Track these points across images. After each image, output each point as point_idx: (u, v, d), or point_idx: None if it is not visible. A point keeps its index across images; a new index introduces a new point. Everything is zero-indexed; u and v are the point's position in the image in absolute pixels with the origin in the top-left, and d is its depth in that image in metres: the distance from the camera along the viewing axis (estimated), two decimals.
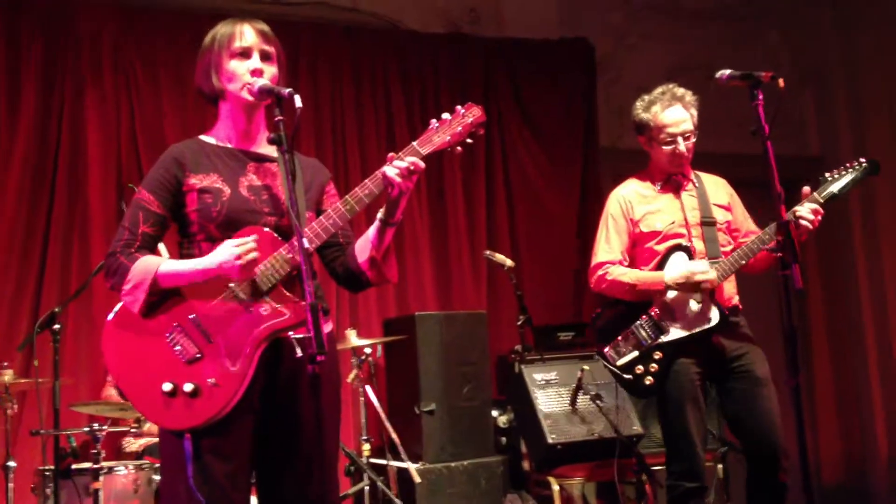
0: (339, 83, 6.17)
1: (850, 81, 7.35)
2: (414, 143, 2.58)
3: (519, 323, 5.24)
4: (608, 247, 3.95)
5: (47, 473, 4.25)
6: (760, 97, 3.11)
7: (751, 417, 3.71)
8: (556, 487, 4.76)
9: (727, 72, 3.22)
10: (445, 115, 2.60)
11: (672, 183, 3.94)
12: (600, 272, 3.93)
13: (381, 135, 6.19)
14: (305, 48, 6.05)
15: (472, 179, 6.45)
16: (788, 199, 3.63)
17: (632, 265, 3.93)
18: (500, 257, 5.34)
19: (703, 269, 3.70)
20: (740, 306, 3.90)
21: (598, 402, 4.72)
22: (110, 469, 4.31)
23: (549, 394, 4.85)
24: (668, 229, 3.86)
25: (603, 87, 6.94)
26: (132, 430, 4.67)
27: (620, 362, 3.81)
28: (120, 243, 2.59)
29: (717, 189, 3.97)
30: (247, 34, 2.63)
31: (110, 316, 2.59)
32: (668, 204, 3.91)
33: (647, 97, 3.94)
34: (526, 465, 5.35)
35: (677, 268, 3.75)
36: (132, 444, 4.95)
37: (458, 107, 2.61)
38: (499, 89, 6.60)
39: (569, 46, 6.84)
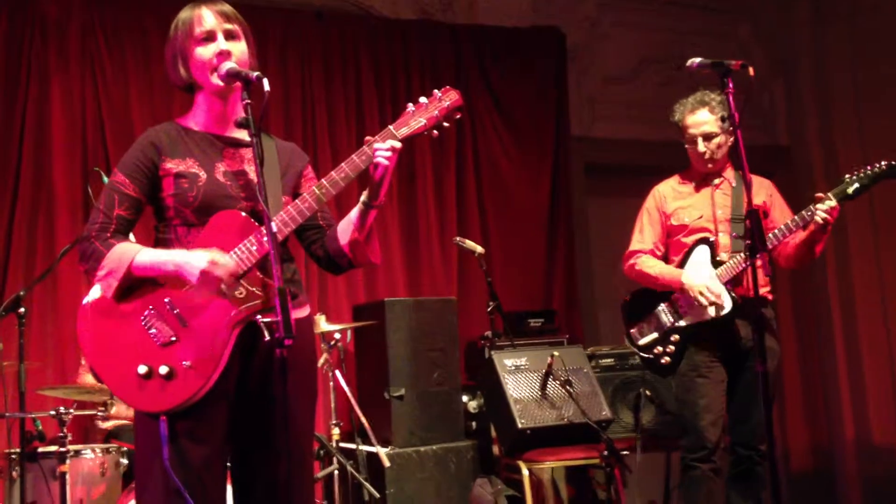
0: (308, 68, 6.12)
1: (818, 73, 7.42)
2: (390, 127, 2.58)
3: (489, 309, 5.27)
4: (641, 237, 4.30)
5: (13, 456, 4.21)
6: (731, 85, 3.16)
7: (744, 411, 4.00)
8: (525, 472, 4.78)
9: (697, 60, 3.28)
10: (423, 99, 2.61)
11: (708, 181, 4.20)
12: (632, 260, 4.28)
13: (350, 120, 6.16)
14: (275, 33, 5.99)
15: (442, 166, 6.44)
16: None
17: (668, 255, 4.23)
18: (470, 244, 5.36)
19: (711, 293, 3.92)
20: (770, 297, 4.13)
21: (567, 387, 4.75)
22: (77, 452, 4.28)
23: (518, 379, 4.87)
24: (696, 223, 4.14)
25: (575, 75, 6.96)
26: (99, 414, 4.63)
27: (642, 342, 4.19)
28: (95, 227, 2.56)
29: (756, 189, 4.07)
30: (206, 17, 2.59)
31: (85, 300, 2.56)
32: (700, 200, 4.18)
33: (682, 101, 4.21)
34: (496, 449, 5.38)
35: (696, 276, 4.00)
36: (104, 423, 4.91)
37: (436, 90, 2.61)
38: (469, 76, 6.59)
39: (540, 34, 6.84)
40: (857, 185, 3.88)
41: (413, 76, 6.38)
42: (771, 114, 7.56)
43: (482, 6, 6.79)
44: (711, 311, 3.95)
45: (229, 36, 2.60)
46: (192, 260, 2.45)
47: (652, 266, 4.19)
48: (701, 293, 3.94)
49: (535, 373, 4.90)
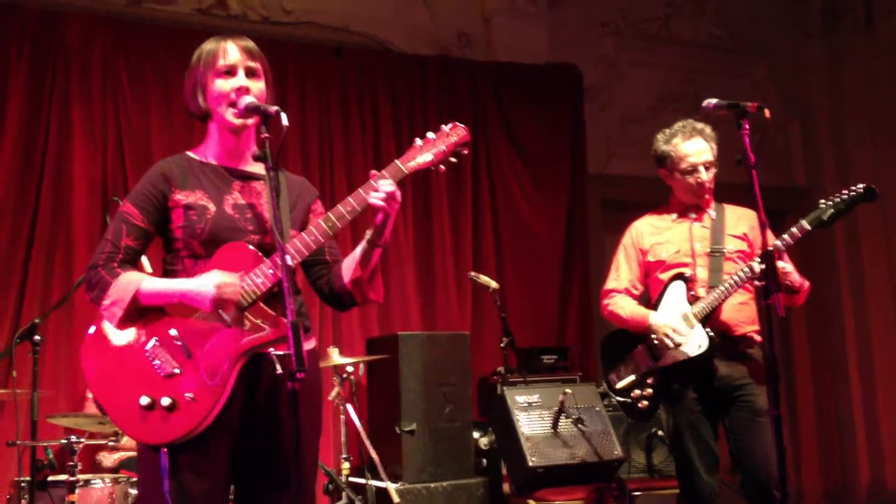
0: (326, 103, 6.19)
1: (835, 114, 7.42)
2: (397, 161, 2.58)
3: (502, 345, 5.25)
4: (616, 275, 4.08)
5: (23, 485, 4.21)
6: (746, 126, 3.14)
7: (748, 448, 3.74)
8: None
9: (714, 101, 3.25)
10: (430, 134, 2.61)
11: (688, 214, 4.00)
12: (605, 300, 4.08)
13: (367, 154, 6.21)
14: (294, 67, 6.07)
15: (458, 201, 6.47)
16: (777, 228, 3.66)
17: (649, 293, 4.02)
18: (484, 279, 5.35)
19: (674, 339, 3.75)
20: (757, 338, 3.88)
21: (580, 425, 4.71)
22: (86, 482, 4.28)
23: (530, 416, 4.84)
24: (672, 259, 3.92)
25: (592, 113, 6.99)
26: (109, 444, 4.63)
27: (619, 385, 3.95)
28: (102, 256, 2.58)
29: (739, 220, 3.97)
30: (230, 52, 2.62)
31: (91, 329, 2.58)
32: (677, 234, 3.97)
33: (668, 130, 4.00)
34: (506, 487, 5.33)
35: (663, 316, 3.82)
36: (107, 460, 4.92)
37: (443, 126, 2.62)
38: (487, 113, 6.63)
39: (557, 72, 6.89)
40: (832, 210, 3.69)
41: (430, 112, 6.43)
42: (786, 154, 7.55)
43: (500, 44, 6.85)
44: (691, 351, 3.75)
45: (250, 73, 2.63)
46: (200, 287, 2.46)
47: (623, 307, 3.98)
48: (666, 335, 3.76)
49: (547, 410, 4.86)
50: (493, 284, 5.31)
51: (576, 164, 6.85)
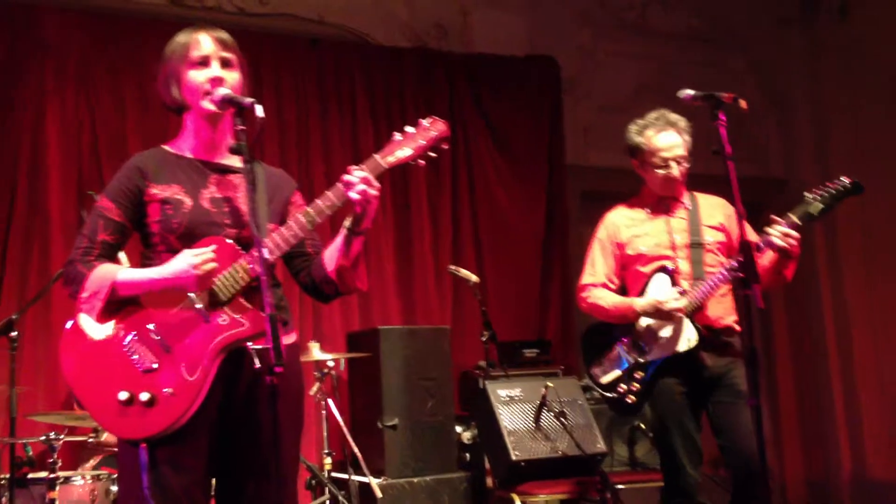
0: (303, 94, 6.16)
1: (813, 105, 7.45)
2: (376, 156, 2.56)
3: (483, 339, 5.25)
4: (592, 269, 4.02)
5: (2, 482, 4.18)
6: (722, 117, 3.14)
7: (734, 431, 3.71)
8: None
9: (690, 92, 3.25)
10: (409, 129, 2.60)
11: (663, 206, 3.95)
12: (583, 294, 4.01)
13: (346, 147, 6.18)
14: (270, 59, 6.03)
15: (437, 194, 6.46)
16: (752, 220, 3.67)
17: (623, 287, 3.98)
18: (464, 273, 5.35)
19: (669, 299, 3.71)
20: (736, 328, 3.85)
21: (562, 419, 4.72)
22: (67, 479, 4.26)
23: (513, 410, 4.84)
24: (653, 252, 3.87)
25: (570, 104, 7.00)
26: (90, 440, 4.60)
27: (604, 380, 3.90)
28: (79, 251, 2.56)
29: (713, 210, 3.95)
30: (203, 43, 2.61)
31: (68, 324, 2.56)
32: (655, 227, 3.93)
33: (640, 121, 3.94)
34: (489, 481, 5.34)
35: (647, 297, 3.79)
36: (91, 460, 4.89)
37: (422, 120, 2.61)
38: (464, 104, 6.63)
39: (535, 64, 6.89)
40: (821, 205, 3.68)
41: (408, 104, 6.41)
42: (764, 145, 7.58)
43: (477, 35, 6.84)
44: (680, 346, 3.72)
45: (224, 63, 2.62)
46: (177, 266, 2.44)
47: (604, 298, 3.92)
48: (660, 302, 3.70)
49: (529, 404, 4.87)
50: (474, 278, 5.31)
51: (554, 156, 6.85)
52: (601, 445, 4.82)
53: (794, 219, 3.64)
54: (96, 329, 2.51)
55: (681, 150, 3.87)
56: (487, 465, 5.29)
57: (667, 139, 3.86)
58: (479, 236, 6.55)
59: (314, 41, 6.24)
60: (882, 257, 6.82)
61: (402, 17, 6.64)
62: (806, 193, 3.72)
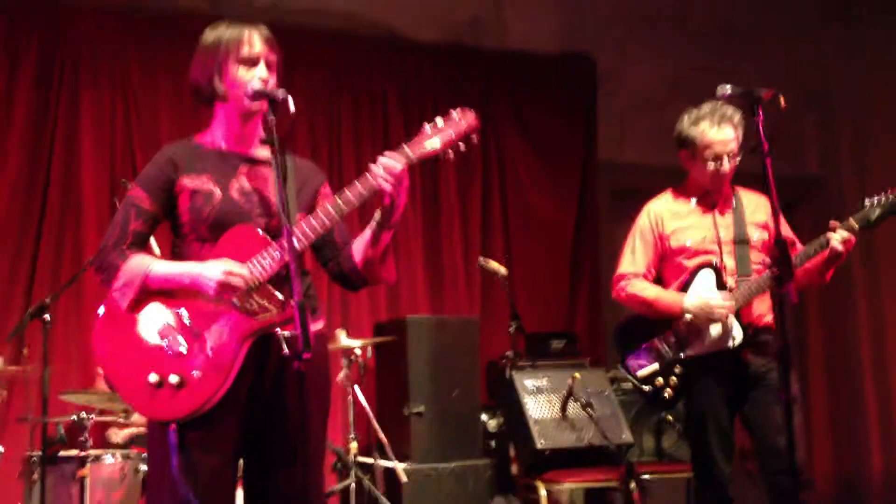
0: (335, 90, 6.18)
1: (853, 104, 7.34)
2: (405, 147, 2.57)
3: (511, 329, 5.25)
4: (632, 258, 3.92)
5: (34, 460, 4.26)
6: (761, 114, 3.11)
7: (770, 430, 3.63)
8: (543, 492, 4.76)
9: (728, 88, 3.21)
10: (439, 120, 2.60)
11: (709, 200, 3.87)
12: (622, 283, 3.91)
13: (377, 142, 6.16)
14: (300, 55, 6.01)
15: (467, 187, 6.47)
16: (789, 218, 3.63)
17: (661, 279, 3.90)
18: (493, 265, 5.34)
19: (720, 304, 3.64)
20: (773, 326, 3.77)
21: (588, 409, 4.72)
22: (97, 457, 4.33)
23: (539, 400, 4.86)
24: (698, 246, 3.79)
25: (602, 100, 6.94)
26: (120, 420, 4.67)
27: (641, 373, 3.82)
28: (111, 240, 2.61)
29: (757, 207, 3.87)
30: (256, 42, 2.64)
31: (101, 309, 2.61)
32: (701, 220, 3.84)
33: (695, 112, 3.83)
34: (514, 469, 5.36)
35: (697, 296, 3.70)
36: (116, 436, 4.97)
37: (452, 111, 2.61)
38: (498, 101, 6.61)
39: (570, 62, 6.85)
40: (879, 210, 3.60)
41: (440, 99, 6.36)
42: (801, 143, 7.48)
43: (511, 30, 6.80)
44: (725, 343, 3.65)
45: (269, 66, 2.66)
46: (207, 272, 2.49)
47: (645, 289, 3.82)
48: (710, 305, 3.62)
49: (555, 394, 4.89)
50: (503, 270, 5.30)
51: (587, 152, 6.83)
52: (627, 436, 4.83)
53: (854, 224, 3.59)
54: (128, 315, 2.56)
55: (734, 146, 3.77)
56: (513, 453, 5.32)
57: (722, 133, 3.75)
58: (508, 230, 6.56)
59: (344, 37, 6.22)
60: None
61: (436, 11, 6.61)
62: (866, 199, 3.65)
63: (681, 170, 3.95)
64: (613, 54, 7.01)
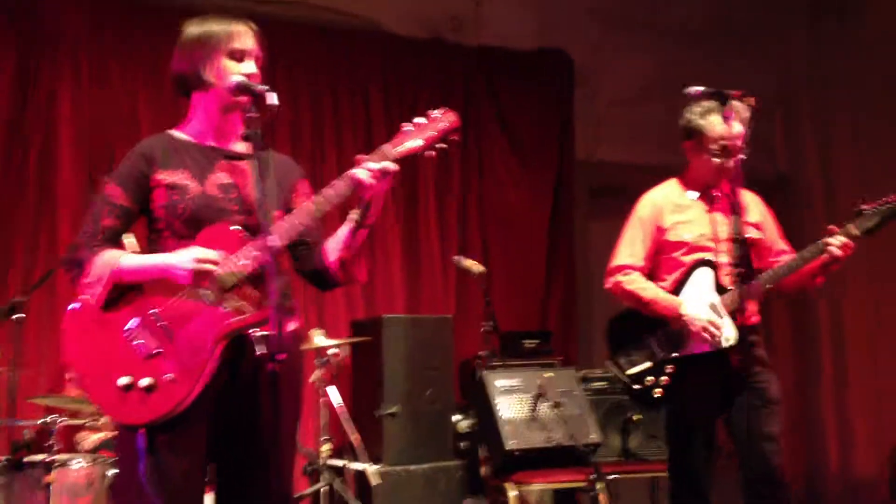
0: (316, 84, 6.16)
1: (817, 101, 7.45)
2: (386, 146, 2.56)
3: (485, 329, 5.26)
4: (631, 249, 3.85)
5: (2, 465, 4.19)
6: (729, 114, 3.13)
7: (751, 433, 3.61)
8: (512, 493, 4.76)
9: (699, 88, 3.23)
10: (419, 119, 2.59)
11: (708, 194, 3.81)
12: (620, 276, 3.84)
13: (358, 136, 6.18)
14: (283, 47, 6.01)
15: (445, 185, 6.47)
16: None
17: (655, 273, 3.84)
18: (469, 263, 5.35)
19: (721, 326, 3.60)
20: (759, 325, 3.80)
21: (557, 409, 4.74)
22: (64, 462, 4.25)
23: (510, 400, 4.86)
24: (696, 241, 3.74)
25: (580, 98, 6.97)
26: (88, 424, 4.61)
27: (631, 371, 3.76)
28: (84, 236, 2.58)
29: (751, 206, 3.84)
30: (246, 38, 2.64)
31: (71, 307, 2.56)
32: (700, 216, 3.78)
33: (705, 104, 3.73)
34: (484, 470, 5.36)
35: (698, 307, 3.65)
36: (86, 442, 4.90)
37: (433, 111, 2.61)
38: (477, 96, 6.63)
39: (548, 57, 6.88)
40: (878, 218, 3.56)
41: (421, 94, 6.38)
42: (769, 142, 7.56)
43: (490, 26, 6.81)
44: (720, 344, 3.59)
45: (256, 61, 2.66)
46: (178, 261, 2.45)
47: (645, 288, 3.75)
48: (704, 329, 3.58)
49: (526, 394, 4.89)
50: (478, 268, 5.31)
51: (564, 149, 6.85)
52: (594, 436, 4.84)
53: (855, 231, 3.56)
54: (99, 313, 2.52)
55: (740, 142, 3.67)
56: (483, 455, 5.31)
57: (736, 129, 3.64)
58: (485, 227, 6.57)
59: (325, 29, 6.20)
60: (881, 256, 6.82)
61: (416, 6, 6.60)
62: (864, 207, 3.60)
63: (658, 166, 3.92)
64: (591, 52, 7.04)
